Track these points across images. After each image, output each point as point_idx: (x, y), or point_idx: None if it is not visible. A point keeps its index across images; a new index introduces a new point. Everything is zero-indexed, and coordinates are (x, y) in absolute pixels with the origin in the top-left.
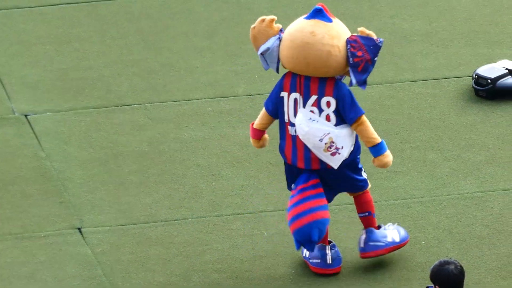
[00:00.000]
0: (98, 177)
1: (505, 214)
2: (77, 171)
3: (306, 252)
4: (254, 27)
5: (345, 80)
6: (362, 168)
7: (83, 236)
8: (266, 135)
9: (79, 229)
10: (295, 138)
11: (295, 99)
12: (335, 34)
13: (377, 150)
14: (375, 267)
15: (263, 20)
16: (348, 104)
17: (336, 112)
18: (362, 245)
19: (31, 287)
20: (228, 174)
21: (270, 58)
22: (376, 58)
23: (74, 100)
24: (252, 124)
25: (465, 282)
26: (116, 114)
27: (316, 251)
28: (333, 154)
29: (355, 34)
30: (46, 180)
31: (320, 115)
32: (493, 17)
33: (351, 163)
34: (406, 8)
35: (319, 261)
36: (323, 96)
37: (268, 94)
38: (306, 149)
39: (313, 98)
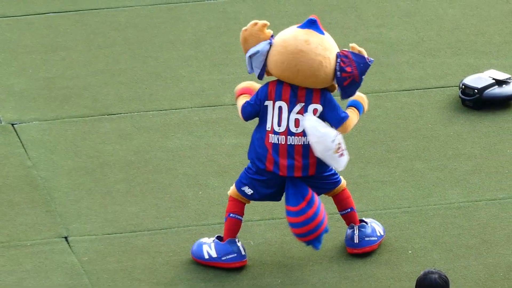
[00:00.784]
0: (85, 186)
1: (491, 224)
2: (63, 180)
3: (210, 254)
4: (246, 29)
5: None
6: None
7: (69, 245)
8: None
9: (65, 238)
10: (277, 146)
11: (280, 107)
12: (328, 46)
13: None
14: (361, 276)
15: (255, 24)
16: (336, 106)
17: (321, 119)
18: (356, 241)
19: None
20: (214, 183)
21: (257, 63)
22: (363, 77)
23: (60, 109)
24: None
25: None
26: (103, 123)
27: (227, 247)
28: (341, 155)
29: (346, 49)
30: (32, 188)
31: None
32: (480, 27)
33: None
34: (392, 18)
35: (235, 255)
36: (310, 103)
37: None
38: (290, 157)
39: (299, 105)
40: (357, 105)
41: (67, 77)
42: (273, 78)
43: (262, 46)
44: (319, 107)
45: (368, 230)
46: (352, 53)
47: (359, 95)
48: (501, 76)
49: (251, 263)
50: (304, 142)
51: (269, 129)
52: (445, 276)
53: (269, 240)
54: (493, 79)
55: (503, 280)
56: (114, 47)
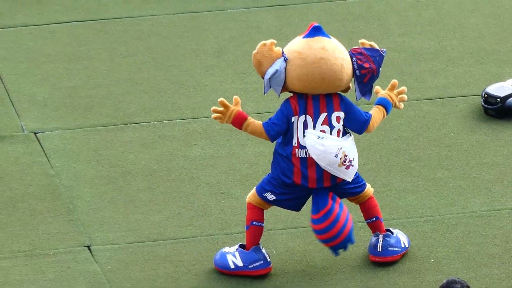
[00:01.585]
0: (107, 195)
1: None
2: (86, 188)
3: (236, 263)
4: (257, 53)
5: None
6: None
7: (92, 254)
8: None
9: (88, 246)
10: (305, 160)
11: (305, 121)
12: (341, 47)
13: (388, 110)
14: (383, 285)
15: (264, 44)
16: (356, 111)
17: (343, 125)
18: (379, 249)
19: None
20: (237, 192)
21: (277, 81)
22: (380, 69)
23: (83, 118)
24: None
25: None
26: (125, 132)
27: (253, 255)
28: (347, 167)
29: (356, 46)
30: (55, 197)
31: (331, 132)
32: (502, 36)
33: None
34: (415, 27)
35: (261, 262)
36: (333, 112)
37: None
38: (318, 169)
39: (323, 116)
40: (385, 104)
41: (90, 86)
42: (289, 94)
43: (279, 64)
44: (341, 114)
45: (393, 240)
46: (365, 48)
47: (387, 93)
48: None
49: (273, 272)
50: None
51: (296, 145)
52: (468, 286)
53: (292, 249)
54: None
55: None
56: (137, 56)
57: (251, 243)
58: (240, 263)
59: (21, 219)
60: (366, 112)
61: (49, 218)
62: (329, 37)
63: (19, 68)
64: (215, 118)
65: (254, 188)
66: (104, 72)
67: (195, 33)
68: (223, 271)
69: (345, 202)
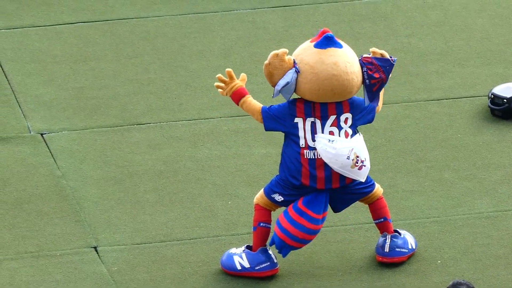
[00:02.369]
0: (114, 196)
1: None
2: (92, 189)
3: (243, 265)
4: (269, 64)
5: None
6: None
7: (98, 255)
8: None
9: (94, 247)
10: (313, 161)
11: (313, 123)
12: (352, 59)
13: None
14: (390, 286)
15: (276, 55)
16: (362, 108)
17: (351, 126)
18: (386, 250)
19: None
20: (244, 193)
21: (287, 91)
22: (389, 75)
23: (89, 118)
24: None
25: None
26: (132, 133)
27: (260, 257)
28: (360, 168)
29: (367, 55)
30: (61, 198)
31: (339, 133)
32: (509, 37)
33: None
34: (422, 28)
35: (268, 263)
36: (342, 113)
37: None
38: (326, 170)
39: (332, 118)
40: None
41: (97, 87)
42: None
43: (290, 76)
44: (349, 115)
45: (400, 241)
46: (376, 58)
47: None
48: None
49: (280, 273)
50: None
51: (304, 146)
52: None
53: (298, 250)
54: None
55: None
56: (143, 57)
57: (258, 244)
58: (246, 264)
59: (27, 220)
60: (370, 103)
61: (55, 219)
62: (341, 46)
63: (26, 69)
64: (217, 86)
65: (262, 189)
66: (111, 73)
67: (201, 34)
68: (230, 272)
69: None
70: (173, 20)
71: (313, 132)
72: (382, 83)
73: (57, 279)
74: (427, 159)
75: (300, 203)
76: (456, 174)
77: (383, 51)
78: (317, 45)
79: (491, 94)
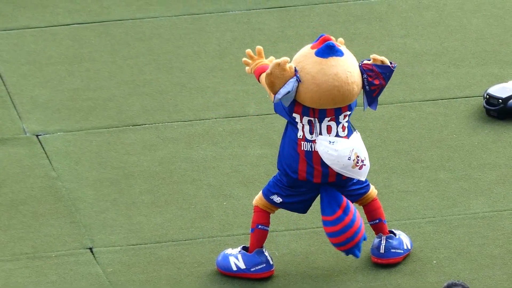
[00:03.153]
0: (109, 197)
1: None
2: (88, 191)
3: (238, 266)
4: (270, 73)
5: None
6: None
7: (94, 256)
8: None
9: (90, 249)
10: (310, 153)
11: (310, 121)
12: (352, 68)
13: None
14: (386, 286)
15: (278, 65)
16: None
17: (348, 120)
18: (382, 251)
19: None
20: (239, 194)
21: (287, 99)
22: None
23: (85, 120)
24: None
25: None
26: (127, 134)
27: (256, 258)
28: (360, 167)
29: (368, 61)
30: (57, 200)
31: (337, 127)
32: (504, 37)
33: None
34: (417, 28)
35: (264, 265)
36: (340, 113)
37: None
38: (323, 163)
39: (330, 116)
40: None
41: (92, 88)
42: None
43: (291, 86)
44: (348, 112)
45: (395, 242)
46: (376, 65)
47: None
48: None
49: (276, 273)
50: None
51: (301, 137)
52: None
53: (294, 250)
54: None
55: None
56: (139, 58)
57: (255, 246)
58: (242, 266)
59: (23, 221)
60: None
61: (51, 221)
62: (342, 54)
63: (21, 70)
64: (245, 62)
65: (261, 191)
66: (106, 74)
67: (197, 35)
68: (226, 273)
69: None
70: (168, 21)
71: (311, 128)
72: (381, 89)
73: (53, 280)
74: (423, 159)
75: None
76: (451, 175)
77: (383, 58)
78: (318, 54)
79: (486, 95)
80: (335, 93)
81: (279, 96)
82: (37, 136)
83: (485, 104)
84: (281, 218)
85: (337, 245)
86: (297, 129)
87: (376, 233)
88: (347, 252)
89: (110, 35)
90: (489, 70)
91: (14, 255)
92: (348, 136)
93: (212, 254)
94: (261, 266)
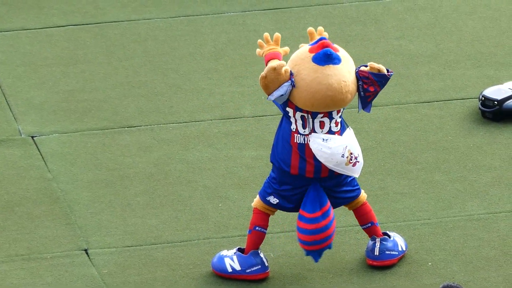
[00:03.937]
0: (105, 199)
1: (511, 235)
2: (83, 192)
3: (233, 267)
4: (265, 77)
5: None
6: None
7: (89, 258)
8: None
9: (85, 250)
10: (303, 146)
11: (303, 116)
12: (348, 76)
13: None
14: None
15: (274, 69)
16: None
17: (341, 115)
18: (376, 253)
19: None
20: (234, 196)
21: (280, 100)
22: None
23: (80, 121)
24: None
25: None
26: (123, 136)
27: (251, 259)
28: (354, 164)
29: (364, 68)
30: (52, 201)
31: (330, 123)
32: (499, 39)
33: None
34: (412, 30)
35: (259, 267)
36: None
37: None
38: (316, 158)
39: (323, 113)
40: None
41: (87, 89)
42: None
43: (285, 89)
44: (341, 109)
45: (390, 244)
46: (372, 73)
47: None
48: None
49: (271, 275)
50: None
51: (294, 130)
52: None
53: (289, 252)
54: None
55: None
56: (134, 59)
57: (251, 248)
58: (237, 267)
59: (18, 223)
60: None
61: (46, 222)
62: (339, 62)
63: (17, 72)
64: (260, 44)
65: (258, 194)
66: (102, 75)
67: (192, 37)
68: (221, 274)
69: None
70: (163, 23)
71: (303, 122)
72: (376, 94)
73: (48, 281)
74: (418, 161)
75: (299, 209)
76: (446, 176)
77: (380, 66)
78: (315, 60)
79: (482, 96)
80: (328, 101)
81: (272, 98)
82: (32, 137)
83: (480, 106)
84: (276, 220)
85: (302, 243)
86: (291, 122)
87: (370, 236)
88: (307, 253)
89: (105, 37)
90: (485, 72)
91: (9, 257)
92: (341, 132)
93: (207, 256)
94: (256, 268)
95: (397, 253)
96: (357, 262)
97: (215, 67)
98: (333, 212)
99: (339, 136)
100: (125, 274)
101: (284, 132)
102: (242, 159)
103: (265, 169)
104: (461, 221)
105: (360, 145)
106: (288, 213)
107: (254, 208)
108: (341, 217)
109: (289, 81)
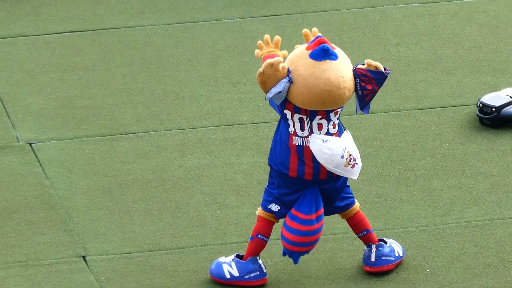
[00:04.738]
0: (102, 205)
1: (509, 242)
2: (81, 199)
3: (232, 273)
4: (262, 73)
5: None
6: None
7: (87, 264)
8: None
9: (83, 257)
10: (301, 148)
11: (301, 118)
12: (345, 72)
13: None
14: None
15: (271, 64)
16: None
17: (338, 117)
18: (373, 259)
19: None
20: (232, 202)
21: (278, 99)
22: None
23: (78, 128)
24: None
25: None
26: (120, 142)
27: (249, 266)
28: (353, 166)
29: (361, 66)
30: (50, 208)
31: (328, 125)
32: (497, 46)
33: None
34: (410, 37)
35: (258, 273)
36: (331, 111)
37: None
38: (314, 159)
39: (321, 114)
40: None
41: (85, 96)
42: None
43: (282, 86)
44: (338, 109)
45: (386, 250)
46: (369, 71)
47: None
48: None
49: (269, 282)
50: None
51: (292, 133)
52: None
53: (287, 259)
54: (511, 97)
55: None
56: (132, 66)
57: (250, 254)
58: (236, 273)
59: (16, 229)
60: None
61: (44, 229)
62: (336, 58)
63: (14, 79)
64: (259, 45)
65: (260, 204)
66: (99, 82)
67: (190, 43)
68: (219, 280)
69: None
70: (161, 30)
71: (301, 125)
72: (375, 93)
73: None
74: (416, 168)
75: (292, 209)
76: (444, 183)
77: (377, 64)
78: (313, 56)
79: (480, 103)
80: (326, 97)
81: (270, 95)
82: (30, 144)
83: (478, 113)
84: (274, 226)
85: (289, 243)
86: (289, 124)
87: (365, 243)
88: (290, 253)
89: (103, 43)
90: (483, 79)
91: (7, 263)
92: (338, 133)
93: (205, 263)
94: (254, 274)
95: (393, 259)
96: (355, 268)
97: (213, 74)
98: (323, 218)
99: (338, 138)
100: (123, 281)
101: (282, 134)
102: (240, 165)
103: (263, 176)
104: (459, 227)
105: (358, 152)
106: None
107: (258, 216)
108: (338, 224)
109: (287, 77)
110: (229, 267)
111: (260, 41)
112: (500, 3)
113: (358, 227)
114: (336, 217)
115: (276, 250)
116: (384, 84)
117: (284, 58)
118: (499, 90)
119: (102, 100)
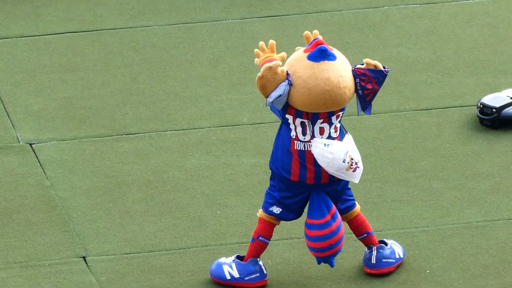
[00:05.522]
0: (103, 206)
1: (510, 243)
2: (81, 199)
3: (232, 274)
4: (261, 77)
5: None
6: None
7: (87, 265)
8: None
9: (83, 257)
10: (303, 152)
11: (302, 122)
12: (344, 72)
13: None
14: None
15: (270, 68)
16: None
17: (340, 120)
18: (373, 261)
19: None
20: (232, 203)
21: (278, 103)
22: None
23: (78, 128)
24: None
25: None
26: (121, 143)
27: (250, 267)
28: (354, 170)
29: (360, 66)
30: (50, 208)
31: (330, 128)
32: (498, 46)
33: None
34: (410, 37)
35: (258, 274)
36: (333, 115)
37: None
38: (316, 163)
39: (323, 119)
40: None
41: (85, 97)
42: None
43: (283, 89)
44: (340, 113)
45: (387, 252)
46: (369, 69)
47: None
48: None
49: (269, 283)
50: None
51: (294, 137)
52: None
53: (287, 260)
54: (511, 98)
55: None
56: (132, 66)
57: (250, 256)
58: (236, 274)
59: (16, 230)
60: None
61: (44, 229)
62: (335, 58)
63: (15, 79)
64: (257, 53)
65: (261, 207)
66: (100, 83)
67: (190, 44)
68: (219, 281)
69: None
70: (162, 30)
71: (303, 129)
72: (375, 93)
73: None
74: (416, 168)
75: (306, 219)
76: (445, 184)
77: (376, 62)
78: (311, 57)
79: (480, 104)
80: (327, 97)
81: (270, 99)
82: (30, 144)
83: (478, 114)
84: (275, 227)
85: (318, 251)
86: (290, 129)
87: (366, 245)
88: (324, 260)
89: (103, 44)
90: (483, 80)
91: (7, 264)
92: (340, 137)
93: (205, 263)
94: (255, 275)
95: (394, 260)
96: (356, 269)
97: (213, 75)
98: (339, 214)
99: (340, 142)
100: (123, 281)
101: (283, 139)
102: (241, 166)
103: (264, 176)
104: (459, 228)
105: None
106: (286, 221)
107: (260, 218)
108: None
109: (286, 80)
110: (230, 268)
111: (256, 50)
112: (500, 4)
113: (358, 229)
114: None
115: (276, 251)
116: (384, 84)
117: (282, 60)
118: (500, 91)
119: (102, 100)
